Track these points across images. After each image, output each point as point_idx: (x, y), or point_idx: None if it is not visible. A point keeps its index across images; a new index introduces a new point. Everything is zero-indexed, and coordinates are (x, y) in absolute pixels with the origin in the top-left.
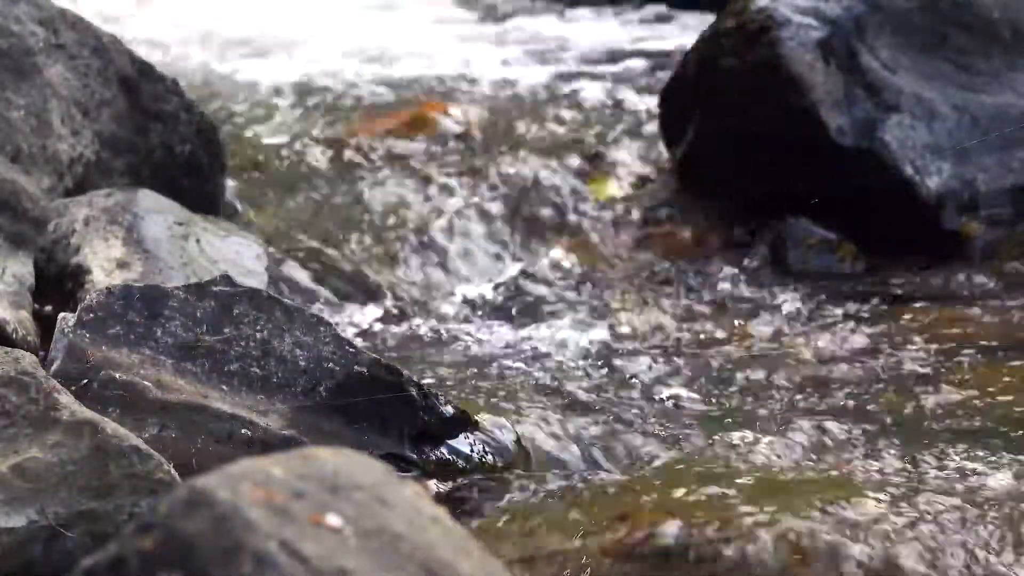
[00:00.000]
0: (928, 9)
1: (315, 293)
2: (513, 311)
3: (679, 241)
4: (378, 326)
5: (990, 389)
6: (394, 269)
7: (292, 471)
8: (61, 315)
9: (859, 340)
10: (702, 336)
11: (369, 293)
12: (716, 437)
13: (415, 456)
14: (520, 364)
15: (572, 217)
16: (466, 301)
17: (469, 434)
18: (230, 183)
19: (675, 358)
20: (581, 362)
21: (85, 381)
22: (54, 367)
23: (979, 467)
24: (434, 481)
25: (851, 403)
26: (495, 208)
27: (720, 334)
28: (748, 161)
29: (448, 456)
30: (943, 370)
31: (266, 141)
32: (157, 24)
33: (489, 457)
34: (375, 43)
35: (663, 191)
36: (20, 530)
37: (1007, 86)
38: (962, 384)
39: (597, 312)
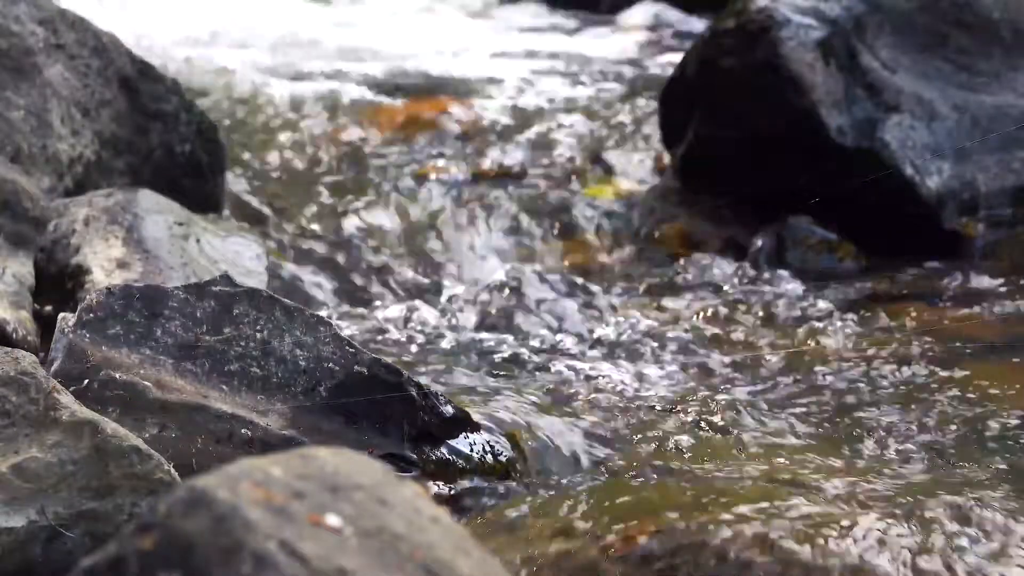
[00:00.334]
0: (928, 9)
1: (315, 293)
2: (513, 311)
3: (679, 241)
4: (378, 326)
5: (990, 389)
6: (394, 269)
7: (292, 471)
8: (61, 315)
9: (859, 340)
10: (702, 337)
11: (369, 293)
12: (716, 438)
13: (415, 456)
14: (520, 364)
15: (572, 217)
16: (466, 301)
17: (469, 434)
18: (230, 183)
19: (674, 358)
20: (581, 363)
21: (85, 381)
22: (54, 367)
23: (979, 467)
24: (434, 481)
25: (851, 403)
26: (495, 208)
27: (720, 335)
28: (748, 161)
29: (448, 456)
30: (943, 370)
31: (266, 141)
32: (157, 24)
33: (489, 457)
34: (375, 43)
35: (663, 191)
36: (20, 530)
37: (1007, 86)
38: (962, 384)
39: (597, 312)
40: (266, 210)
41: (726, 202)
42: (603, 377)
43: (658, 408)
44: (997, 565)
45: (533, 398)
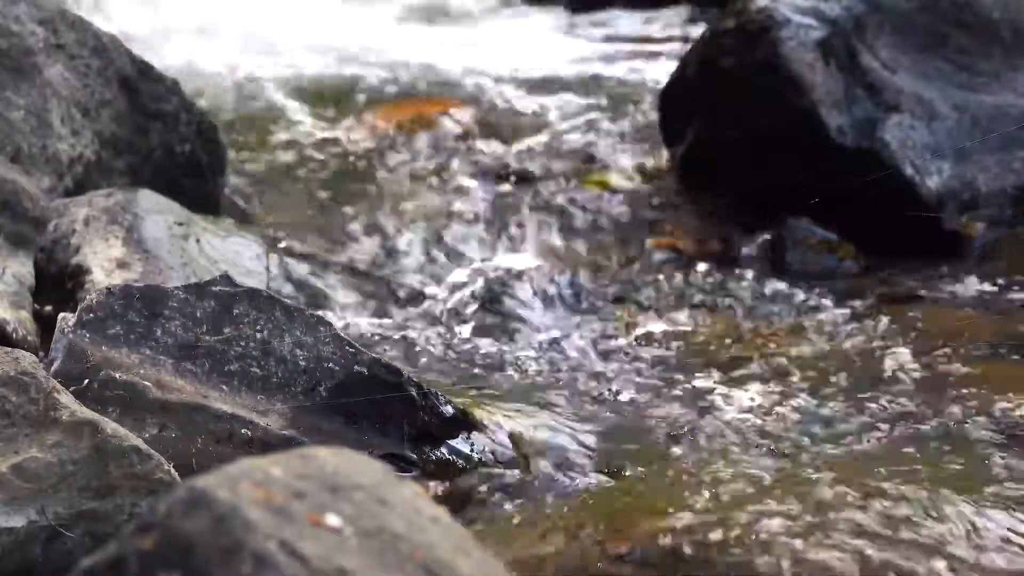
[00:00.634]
0: (928, 9)
1: (315, 292)
2: (513, 311)
3: (679, 241)
4: (378, 325)
5: (989, 389)
6: (394, 268)
7: (292, 471)
8: (61, 315)
9: (858, 340)
10: (702, 337)
11: (369, 292)
12: (716, 438)
13: (415, 456)
14: (519, 365)
15: (572, 217)
16: (465, 301)
17: (469, 434)
18: (230, 183)
19: (674, 359)
20: (580, 363)
21: (85, 381)
22: (54, 367)
23: (979, 467)
24: (434, 481)
25: (850, 403)
26: (495, 208)
27: (720, 335)
28: (748, 161)
29: (448, 456)
30: (943, 370)
31: (266, 141)
32: (156, 23)
33: (489, 457)
34: (376, 43)
35: (663, 191)
36: (20, 530)
37: (1007, 86)
38: (961, 384)
39: (597, 312)
40: (266, 210)
41: (726, 202)
42: (603, 377)
43: (658, 408)
44: (999, 562)
45: (533, 398)
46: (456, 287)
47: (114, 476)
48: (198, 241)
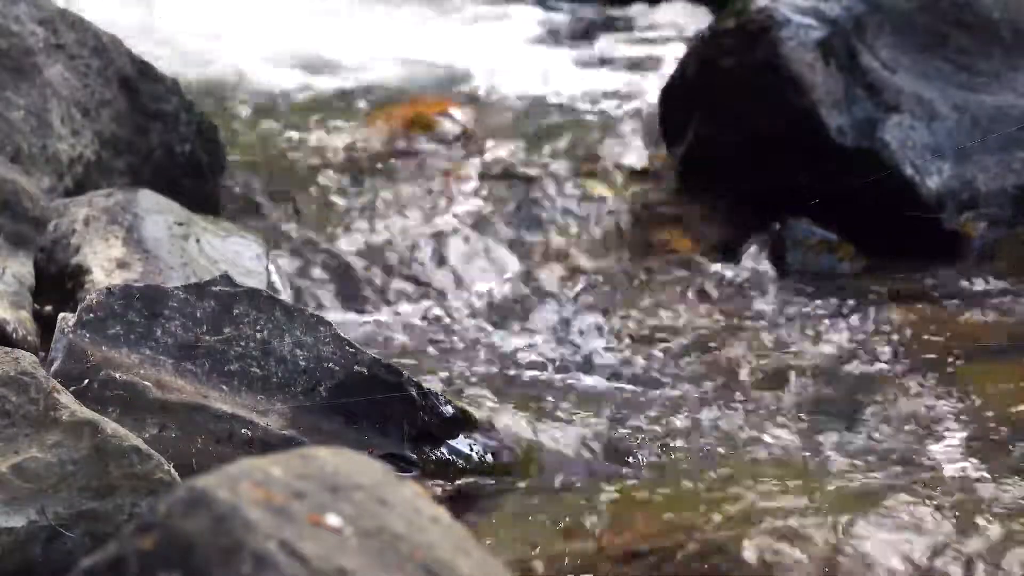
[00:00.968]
0: (928, 9)
1: (315, 292)
2: (512, 311)
3: (678, 241)
4: (378, 326)
5: (990, 389)
6: (393, 269)
7: (292, 471)
8: (61, 315)
9: (858, 340)
10: (702, 337)
11: (368, 293)
12: (716, 438)
13: (415, 456)
14: (519, 365)
15: (571, 217)
16: (465, 301)
17: (469, 434)
18: (230, 183)
19: (674, 359)
20: (580, 363)
21: (85, 381)
22: (54, 367)
23: (979, 467)
24: (434, 481)
25: (850, 403)
26: (494, 209)
27: (720, 335)
28: (748, 161)
29: (448, 456)
30: (943, 370)
31: (266, 141)
32: (156, 23)
33: (489, 457)
34: (377, 43)
35: (663, 191)
36: (20, 530)
37: (1007, 86)
38: (961, 384)
39: (596, 312)
40: (266, 210)
41: (726, 202)
42: (603, 377)
43: (659, 408)
44: (1002, 560)
45: (533, 398)
46: (456, 287)
47: (114, 476)
48: (198, 241)
